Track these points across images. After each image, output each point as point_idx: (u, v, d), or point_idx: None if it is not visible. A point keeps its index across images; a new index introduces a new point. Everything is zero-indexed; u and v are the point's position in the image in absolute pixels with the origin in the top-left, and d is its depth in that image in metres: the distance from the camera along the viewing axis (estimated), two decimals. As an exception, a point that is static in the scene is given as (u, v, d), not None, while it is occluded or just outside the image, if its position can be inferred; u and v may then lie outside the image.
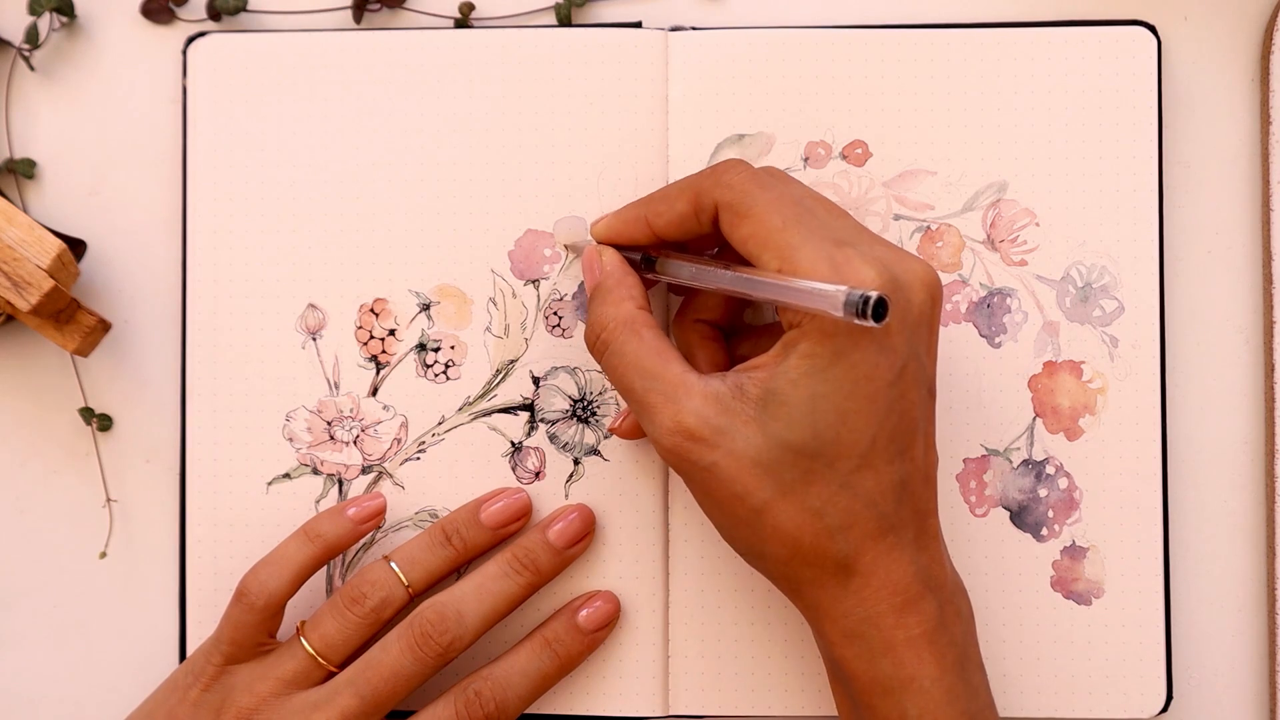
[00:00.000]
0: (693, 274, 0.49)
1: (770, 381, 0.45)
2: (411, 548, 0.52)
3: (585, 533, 0.53)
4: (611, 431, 0.54)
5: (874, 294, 0.42)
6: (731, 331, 0.53)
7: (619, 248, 0.51)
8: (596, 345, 0.49)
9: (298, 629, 0.51)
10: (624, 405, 0.54)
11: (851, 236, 0.46)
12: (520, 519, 0.54)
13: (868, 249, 0.46)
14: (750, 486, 0.45)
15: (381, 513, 0.53)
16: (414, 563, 0.52)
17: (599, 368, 0.54)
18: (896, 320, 0.45)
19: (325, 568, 0.55)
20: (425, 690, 0.51)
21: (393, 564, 0.52)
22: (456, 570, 0.53)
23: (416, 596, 0.52)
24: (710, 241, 0.51)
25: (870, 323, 0.42)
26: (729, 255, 0.51)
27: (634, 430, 0.53)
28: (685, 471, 0.46)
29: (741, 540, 0.47)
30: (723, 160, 0.49)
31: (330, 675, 0.51)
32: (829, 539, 0.45)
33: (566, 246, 0.55)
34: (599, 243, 0.52)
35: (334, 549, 0.52)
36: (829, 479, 0.45)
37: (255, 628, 0.51)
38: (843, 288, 0.42)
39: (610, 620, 0.54)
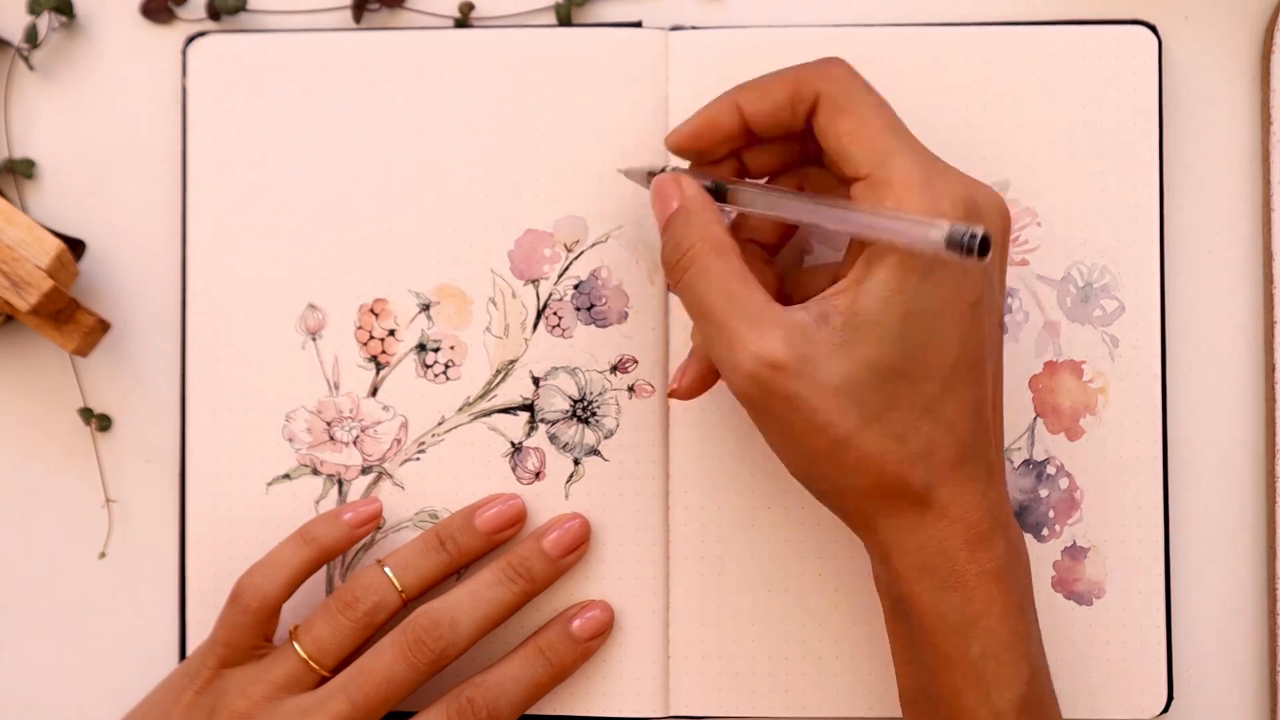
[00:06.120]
0: (769, 203, 0.46)
1: (856, 303, 0.44)
2: (405, 552, 0.52)
3: (580, 542, 0.53)
4: (672, 393, 0.50)
5: (980, 230, 0.40)
6: (779, 263, 0.51)
7: (691, 172, 0.49)
8: (679, 264, 0.46)
9: (290, 633, 0.51)
10: (667, 369, 0.52)
11: (934, 158, 0.46)
12: (514, 525, 0.53)
13: (950, 171, 0.45)
14: (833, 417, 0.44)
15: (377, 517, 0.53)
16: (408, 567, 0.52)
17: (601, 367, 0.54)
18: None
19: (325, 569, 0.55)
20: (418, 696, 0.51)
21: (386, 569, 0.52)
22: (453, 574, 0.53)
23: (410, 601, 0.52)
24: (775, 155, 0.49)
25: (975, 259, 0.41)
26: (782, 181, 0.50)
27: (695, 388, 0.50)
28: (764, 404, 0.45)
29: (820, 476, 0.46)
30: (823, 57, 0.47)
31: (323, 680, 0.51)
32: (910, 466, 0.44)
33: (626, 174, 0.53)
34: (676, 152, 0.49)
35: (329, 553, 0.52)
36: (913, 402, 0.44)
37: (249, 631, 0.51)
38: (944, 224, 0.41)
39: (604, 629, 0.53)
